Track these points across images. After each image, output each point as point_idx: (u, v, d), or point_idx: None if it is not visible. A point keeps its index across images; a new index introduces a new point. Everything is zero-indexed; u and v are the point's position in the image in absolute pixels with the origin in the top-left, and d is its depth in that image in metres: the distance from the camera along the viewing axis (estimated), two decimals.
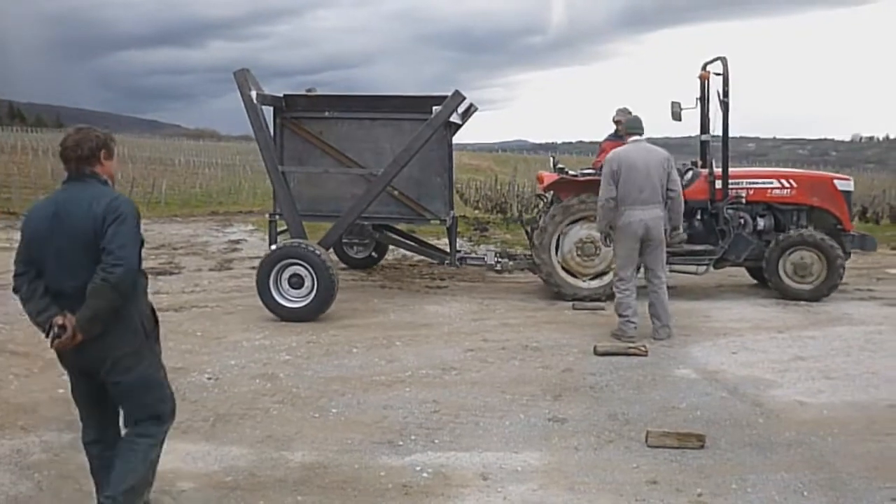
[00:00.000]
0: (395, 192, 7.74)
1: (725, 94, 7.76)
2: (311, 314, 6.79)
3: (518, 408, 4.57)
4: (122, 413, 3.12)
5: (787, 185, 8.07)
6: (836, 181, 8.30)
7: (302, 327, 6.57)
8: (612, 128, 8.51)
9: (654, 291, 6.14)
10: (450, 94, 7.22)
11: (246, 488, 3.51)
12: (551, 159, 8.64)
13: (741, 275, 8.78)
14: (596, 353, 5.68)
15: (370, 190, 7.32)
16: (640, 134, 6.25)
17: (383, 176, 7.24)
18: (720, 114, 7.90)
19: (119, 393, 3.01)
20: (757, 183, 8.09)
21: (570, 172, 8.11)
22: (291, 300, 6.86)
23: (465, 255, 8.60)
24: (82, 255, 2.84)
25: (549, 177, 8.22)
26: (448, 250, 8.24)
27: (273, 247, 7.30)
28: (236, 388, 4.92)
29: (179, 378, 4.93)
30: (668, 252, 7.81)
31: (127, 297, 2.88)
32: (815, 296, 7.68)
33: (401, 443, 4.04)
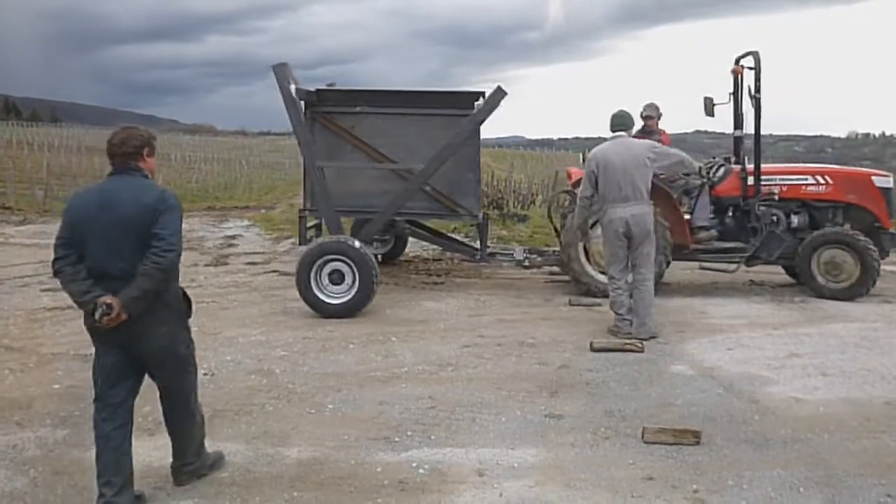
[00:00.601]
0: (428, 188, 7.71)
1: (757, 89, 7.64)
2: (351, 310, 6.79)
3: (514, 404, 4.57)
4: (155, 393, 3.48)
5: (822, 181, 7.90)
6: (874, 178, 8.07)
7: (298, 323, 6.56)
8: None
9: (638, 288, 6.09)
10: (478, 89, 7.33)
11: (241, 484, 3.50)
12: (581, 155, 8.55)
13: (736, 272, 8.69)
14: (592, 349, 5.69)
15: (409, 185, 7.32)
16: (626, 130, 6.24)
17: (423, 171, 7.24)
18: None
19: (153, 364, 3.33)
20: (791, 179, 7.95)
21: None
22: (332, 296, 6.85)
23: (495, 251, 8.54)
24: (132, 239, 3.12)
25: (578, 172, 8.09)
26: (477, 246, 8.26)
27: (307, 245, 7.23)
28: (232, 383, 4.91)
29: None
30: (698, 249, 7.86)
31: (170, 279, 3.22)
32: (851, 296, 7.51)
33: (397, 439, 4.04)
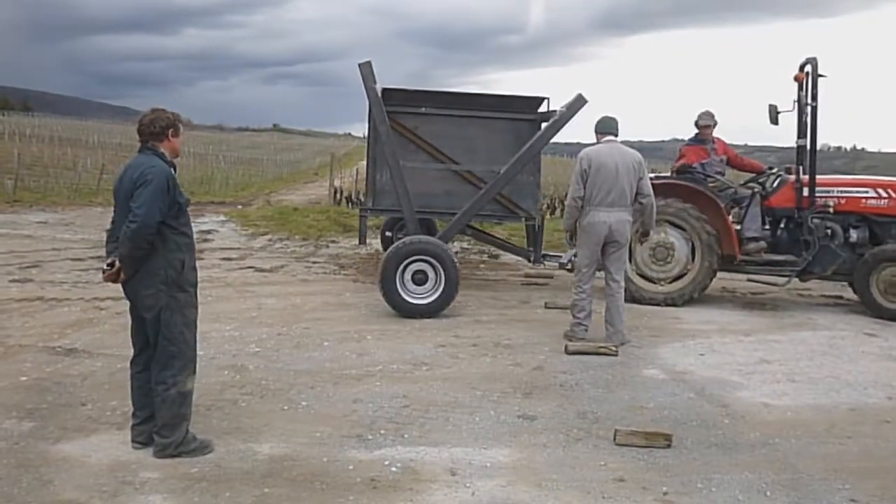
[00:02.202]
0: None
1: (814, 97, 7.49)
2: (434, 310, 6.77)
3: (488, 404, 4.58)
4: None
5: (884, 195, 7.55)
6: None
7: (272, 320, 6.51)
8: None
9: (611, 295, 5.99)
10: (538, 95, 7.46)
11: (212, 480, 3.46)
12: None
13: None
14: (567, 352, 5.72)
15: (490, 188, 7.31)
16: (615, 135, 6.11)
17: (505, 175, 7.21)
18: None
19: (145, 325, 3.70)
20: (850, 192, 7.63)
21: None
22: (416, 297, 6.81)
23: (547, 253, 8.42)
24: (126, 209, 3.55)
25: None
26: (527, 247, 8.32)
27: (393, 245, 7.15)
28: (204, 378, 4.83)
29: None
30: (746, 261, 7.70)
31: (144, 247, 3.52)
32: None
33: (370, 437, 4.02)
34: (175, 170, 3.77)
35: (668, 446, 3.99)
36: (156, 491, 3.34)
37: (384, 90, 7.62)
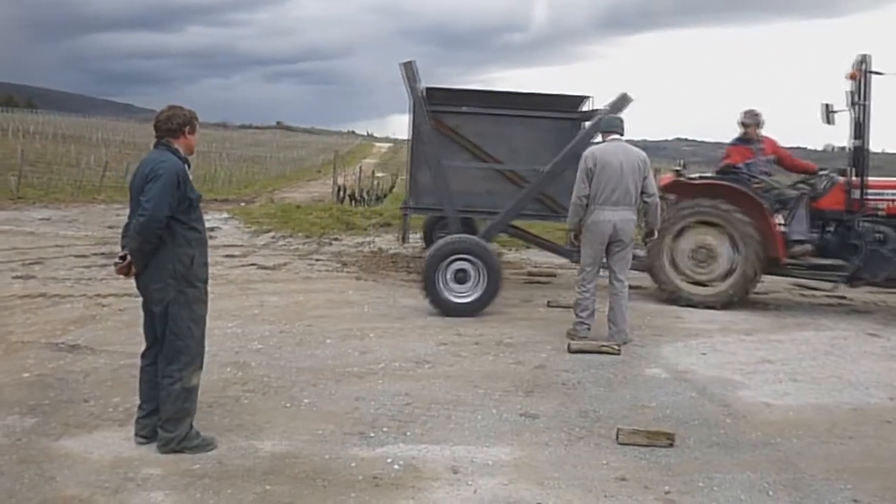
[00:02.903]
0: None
1: (865, 95, 7.23)
2: (475, 310, 6.78)
3: (490, 402, 4.58)
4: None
5: None
6: None
7: (274, 317, 6.52)
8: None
9: (615, 294, 5.98)
10: (582, 94, 7.45)
11: (214, 476, 3.47)
12: (680, 162, 8.35)
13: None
14: (569, 350, 5.72)
15: (533, 187, 7.32)
16: (620, 134, 6.08)
17: (547, 174, 7.20)
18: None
19: (154, 319, 3.75)
20: None
21: (688, 175, 7.88)
22: (458, 295, 6.82)
23: None
24: (138, 203, 3.61)
25: (666, 178, 7.98)
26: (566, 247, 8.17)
27: (435, 244, 7.17)
28: (206, 375, 4.79)
29: None
30: (791, 264, 7.44)
31: (152, 241, 3.56)
32: None
33: (372, 434, 4.03)
34: (189, 166, 3.79)
35: (671, 445, 3.99)
36: (158, 488, 3.35)
37: (427, 89, 7.60)
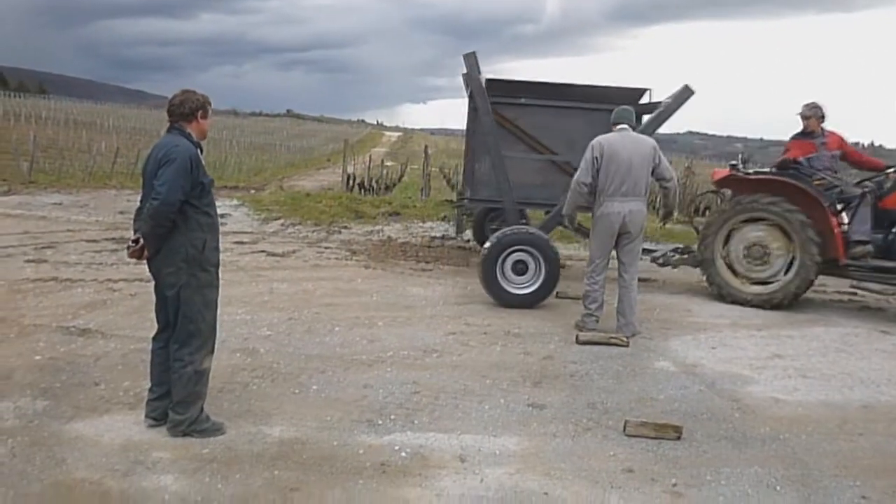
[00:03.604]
0: None
1: None
2: (533, 302, 6.81)
3: (498, 392, 4.59)
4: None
5: None
6: None
7: (283, 304, 6.53)
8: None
9: (624, 287, 5.95)
10: (636, 86, 7.48)
11: (222, 461, 3.49)
12: (739, 156, 8.07)
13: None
14: (577, 341, 5.71)
15: None
16: (630, 124, 6.05)
17: None
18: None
19: (167, 303, 3.75)
20: None
21: (744, 170, 7.62)
22: (517, 287, 6.85)
23: (644, 247, 7.92)
24: (151, 188, 3.63)
25: (720, 172, 7.80)
26: None
27: (493, 235, 7.14)
28: (216, 361, 4.78)
29: None
30: (851, 265, 7.14)
31: (165, 225, 3.57)
32: None
33: (380, 422, 4.04)
34: (202, 150, 3.80)
35: (678, 438, 3.98)
36: (167, 471, 3.37)
37: (486, 81, 7.56)
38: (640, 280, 6.24)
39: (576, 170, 7.62)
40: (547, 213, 8.10)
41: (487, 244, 7.02)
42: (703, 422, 4.29)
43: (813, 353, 5.85)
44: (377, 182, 18.83)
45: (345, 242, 10.28)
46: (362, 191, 16.77)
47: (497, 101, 7.69)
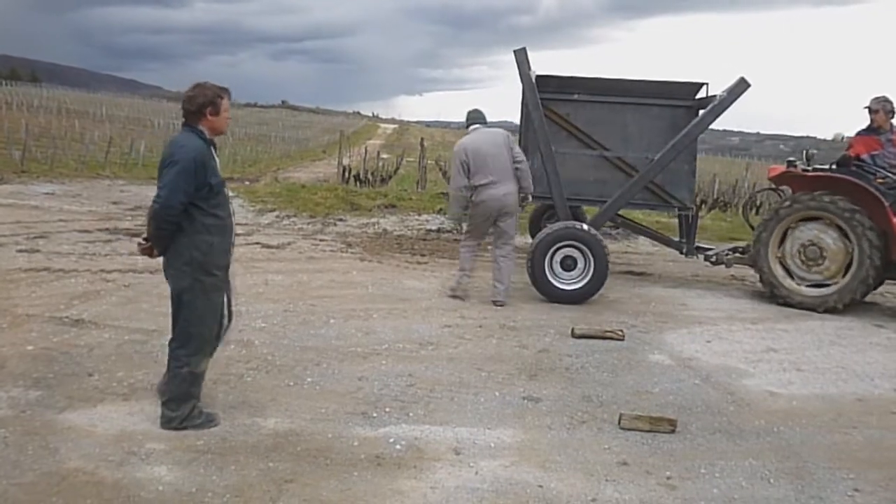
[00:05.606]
0: None
1: None
2: (582, 297, 6.82)
3: (493, 385, 4.58)
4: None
5: None
6: None
7: (278, 296, 6.51)
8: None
9: (502, 256, 6.58)
10: (700, 81, 7.41)
11: (217, 452, 3.48)
12: (804, 153, 7.65)
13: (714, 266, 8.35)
14: (573, 335, 5.71)
15: (642, 175, 7.27)
16: (482, 123, 6.67)
17: (658, 162, 7.15)
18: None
19: (172, 301, 3.72)
20: None
21: (801, 167, 7.38)
22: (564, 282, 6.87)
23: (700, 245, 8.12)
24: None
25: (775, 169, 7.64)
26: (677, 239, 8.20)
27: (543, 231, 7.21)
28: None
29: (153, 340, 4.87)
30: None
31: (167, 228, 3.54)
32: None
33: (375, 414, 4.03)
34: (215, 148, 3.74)
35: (673, 431, 3.99)
36: (161, 462, 3.36)
37: (538, 77, 7.51)
38: (634, 273, 6.28)
39: (630, 166, 7.67)
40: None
41: (535, 240, 7.07)
42: (697, 415, 4.29)
43: (807, 346, 5.87)
44: (373, 174, 18.77)
45: (340, 234, 10.26)
46: (358, 183, 16.72)
47: (551, 97, 7.63)
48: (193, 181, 3.50)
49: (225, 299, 3.83)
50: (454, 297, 6.67)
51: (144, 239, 3.66)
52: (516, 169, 6.50)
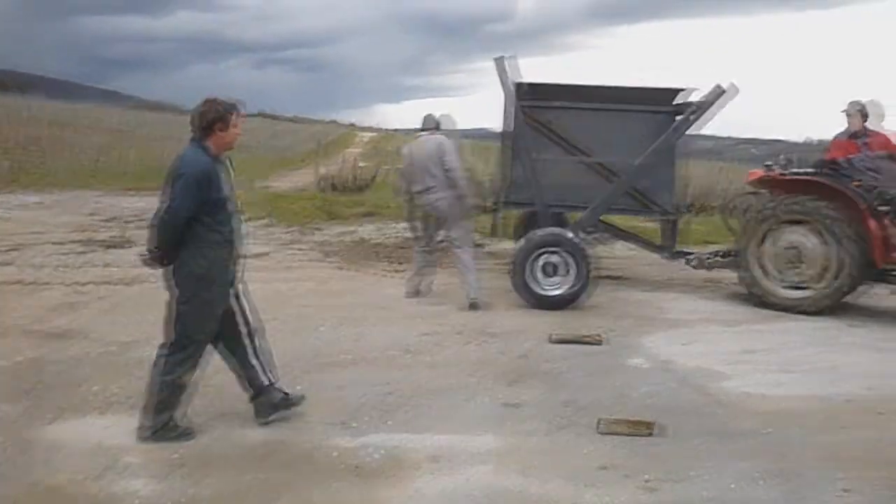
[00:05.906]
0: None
1: None
2: (564, 303, 6.80)
3: (473, 392, 4.58)
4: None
5: None
6: None
7: (257, 306, 6.44)
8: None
9: (458, 257, 6.86)
10: (678, 87, 7.42)
11: (194, 465, 3.44)
12: (781, 157, 7.62)
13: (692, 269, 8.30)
14: (551, 340, 5.73)
15: (623, 181, 7.28)
16: (428, 130, 6.86)
17: (637, 168, 7.16)
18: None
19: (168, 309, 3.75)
20: None
21: (778, 170, 7.29)
22: (546, 288, 6.83)
23: (682, 249, 8.09)
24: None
25: (755, 174, 7.68)
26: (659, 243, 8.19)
27: (523, 238, 7.21)
28: None
29: (131, 351, 4.82)
30: (890, 270, 6.81)
31: (169, 241, 3.59)
32: None
33: (354, 424, 4.01)
34: (231, 163, 3.83)
35: (651, 435, 4.00)
36: (137, 475, 3.32)
37: (517, 84, 7.49)
38: (612, 277, 6.60)
39: (612, 172, 7.70)
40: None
41: (517, 246, 7.09)
42: (677, 417, 4.29)
43: (785, 347, 5.88)
44: (351, 182, 18.70)
45: (318, 243, 10.21)
46: (335, 191, 16.66)
47: (532, 104, 7.63)
48: (199, 194, 3.55)
49: (239, 311, 3.91)
50: (410, 296, 7.02)
51: (148, 250, 3.69)
52: (447, 177, 6.66)
